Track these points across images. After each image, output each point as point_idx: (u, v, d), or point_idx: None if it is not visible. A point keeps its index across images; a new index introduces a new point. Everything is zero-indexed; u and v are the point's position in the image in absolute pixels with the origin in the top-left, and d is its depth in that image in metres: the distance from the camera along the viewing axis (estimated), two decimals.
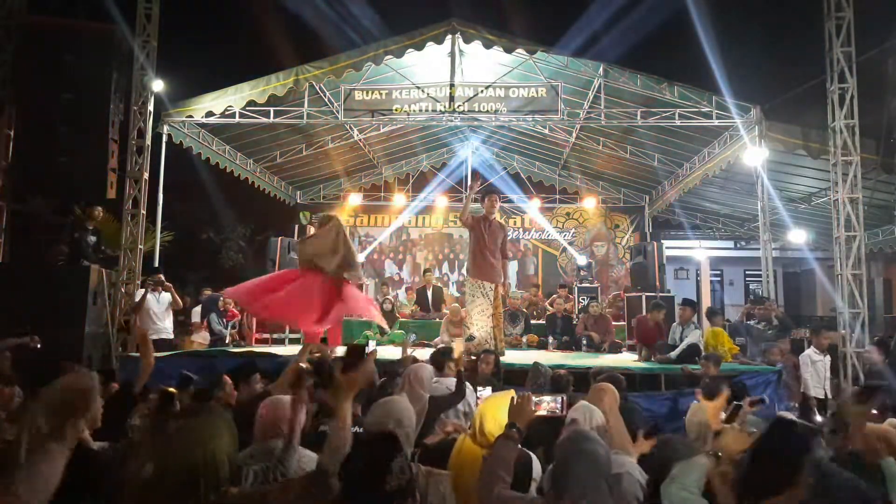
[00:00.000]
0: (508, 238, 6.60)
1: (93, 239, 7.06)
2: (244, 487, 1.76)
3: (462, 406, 3.57)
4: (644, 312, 7.86)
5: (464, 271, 12.49)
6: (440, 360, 4.13)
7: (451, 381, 3.92)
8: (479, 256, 6.27)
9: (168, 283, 7.05)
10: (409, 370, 3.48)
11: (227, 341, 7.71)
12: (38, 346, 5.09)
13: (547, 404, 2.19)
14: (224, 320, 7.84)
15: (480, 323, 6.24)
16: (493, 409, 2.30)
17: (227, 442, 1.57)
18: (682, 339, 6.14)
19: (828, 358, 6.06)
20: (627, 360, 6.71)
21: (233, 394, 3.38)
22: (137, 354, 6.39)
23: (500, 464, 1.92)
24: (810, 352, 6.20)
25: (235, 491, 1.60)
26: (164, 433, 1.57)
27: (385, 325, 6.30)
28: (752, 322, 7.01)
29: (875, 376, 5.47)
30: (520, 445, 2.11)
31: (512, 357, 6.25)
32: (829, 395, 5.91)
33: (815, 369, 5.98)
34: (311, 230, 6.35)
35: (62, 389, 1.95)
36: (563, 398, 2.25)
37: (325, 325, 6.01)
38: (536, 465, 2.41)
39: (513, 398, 2.15)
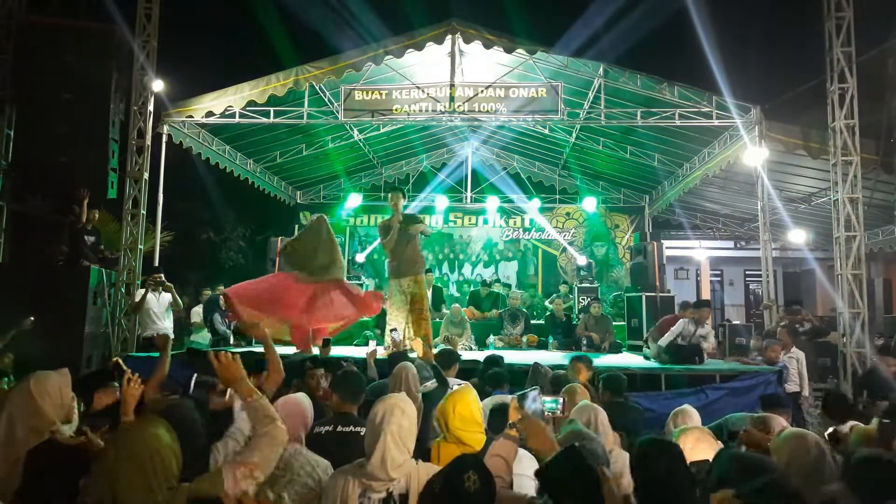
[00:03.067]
0: (422, 222, 6.81)
1: (91, 238, 7.06)
2: (202, 476, 1.82)
3: None
4: (644, 311, 7.90)
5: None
6: (446, 360, 4.15)
7: (452, 381, 3.92)
8: (392, 258, 6.61)
9: (168, 284, 7.04)
10: (401, 369, 3.48)
11: (230, 342, 7.69)
12: (32, 320, 5.08)
13: (546, 405, 2.20)
14: (226, 320, 7.82)
15: (399, 319, 6.44)
16: (452, 405, 2.31)
17: (168, 441, 1.64)
18: (693, 338, 6.19)
19: (795, 352, 6.15)
20: (629, 359, 6.72)
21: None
22: (141, 354, 6.41)
23: (499, 463, 1.93)
24: None
25: (189, 484, 1.67)
26: (109, 441, 1.63)
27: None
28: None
29: (880, 382, 5.45)
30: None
31: (512, 357, 6.25)
32: (804, 391, 6.05)
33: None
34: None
35: (34, 397, 1.97)
36: (563, 399, 2.26)
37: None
38: (533, 462, 2.42)
39: (512, 398, 2.15)
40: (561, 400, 2.23)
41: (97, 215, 7.20)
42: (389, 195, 6.62)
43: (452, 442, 2.25)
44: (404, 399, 2.14)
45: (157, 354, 6.16)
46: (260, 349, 3.79)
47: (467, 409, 2.26)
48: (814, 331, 6.87)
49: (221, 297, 7.22)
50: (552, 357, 6.60)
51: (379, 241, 12.71)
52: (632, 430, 3.17)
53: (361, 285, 10.65)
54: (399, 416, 2.01)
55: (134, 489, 1.53)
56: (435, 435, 2.65)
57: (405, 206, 6.91)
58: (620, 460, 2.41)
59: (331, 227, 6.74)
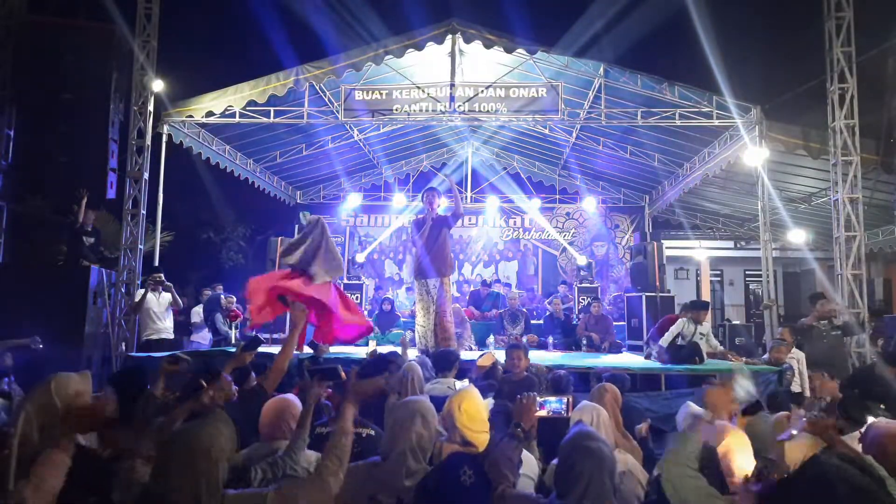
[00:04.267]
0: (454, 225, 6.57)
1: (91, 240, 7.05)
2: (246, 490, 1.78)
3: None
4: (644, 311, 7.90)
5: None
6: (447, 361, 4.14)
7: (451, 381, 3.92)
8: (418, 256, 6.41)
9: (168, 283, 7.04)
10: (410, 370, 3.47)
11: (231, 342, 7.70)
12: (41, 346, 5.10)
13: (550, 406, 2.19)
14: (228, 321, 7.83)
15: (421, 320, 6.31)
16: (458, 403, 2.29)
17: (228, 445, 1.60)
18: (694, 337, 6.18)
19: (796, 352, 6.12)
20: (629, 359, 6.72)
21: (231, 391, 3.36)
22: (141, 354, 6.39)
23: (505, 463, 1.92)
24: None
25: (233, 494, 1.63)
26: (166, 437, 1.59)
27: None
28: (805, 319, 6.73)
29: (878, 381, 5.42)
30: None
31: None
32: (805, 391, 5.97)
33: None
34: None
35: (54, 399, 1.95)
36: (567, 400, 2.25)
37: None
38: (533, 463, 2.41)
39: (519, 397, 2.14)
40: (565, 400, 2.22)
41: (93, 217, 7.18)
42: (424, 193, 6.46)
43: (456, 442, 2.23)
44: (427, 407, 2.12)
45: (157, 354, 6.18)
46: (266, 349, 3.79)
47: (473, 406, 2.24)
48: (845, 327, 6.41)
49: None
50: (552, 357, 6.60)
51: (383, 238, 12.85)
52: (631, 431, 3.17)
53: (361, 286, 10.68)
54: (420, 425, 2.00)
55: (178, 489, 1.50)
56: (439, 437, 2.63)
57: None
58: (624, 459, 2.41)
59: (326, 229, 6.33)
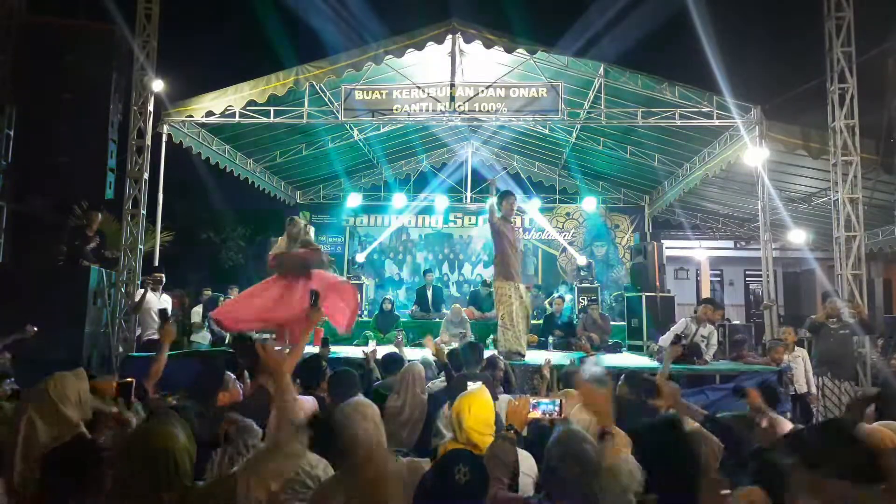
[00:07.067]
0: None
1: (93, 245, 7.04)
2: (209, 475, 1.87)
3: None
4: (644, 311, 7.89)
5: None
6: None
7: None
8: (510, 257, 6.29)
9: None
10: (410, 370, 3.46)
11: (226, 342, 7.69)
12: (35, 330, 5.12)
13: (544, 407, 2.20)
14: None
15: (522, 326, 6.20)
16: (468, 404, 2.30)
17: (184, 441, 1.66)
18: (696, 337, 6.17)
19: (800, 351, 6.16)
20: (629, 359, 6.72)
21: (237, 392, 3.37)
22: (142, 354, 6.40)
23: (498, 465, 1.93)
24: None
25: (200, 485, 1.70)
26: (124, 438, 1.65)
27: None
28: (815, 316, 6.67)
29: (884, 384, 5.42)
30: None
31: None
32: (811, 389, 6.04)
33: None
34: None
35: (52, 398, 1.99)
36: (560, 402, 2.25)
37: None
38: (531, 462, 2.41)
39: (511, 399, 2.15)
40: (559, 402, 2.22)
41: (97, 218, 7.18)
42: (509, 198, 6.51)
43: (462, 443, 2.25)
44: (365, 403, 2.14)
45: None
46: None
47: (483, 410, 2.27)
48: (862, 324, 6.20)
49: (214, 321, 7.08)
50: (551, 357, 6.59)
51: (383, 238, 12.84)
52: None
53: (361, 286, 10.67)
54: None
55: (140, 486, 1.55)
56: (440, 436, 2.64)
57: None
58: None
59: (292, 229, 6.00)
